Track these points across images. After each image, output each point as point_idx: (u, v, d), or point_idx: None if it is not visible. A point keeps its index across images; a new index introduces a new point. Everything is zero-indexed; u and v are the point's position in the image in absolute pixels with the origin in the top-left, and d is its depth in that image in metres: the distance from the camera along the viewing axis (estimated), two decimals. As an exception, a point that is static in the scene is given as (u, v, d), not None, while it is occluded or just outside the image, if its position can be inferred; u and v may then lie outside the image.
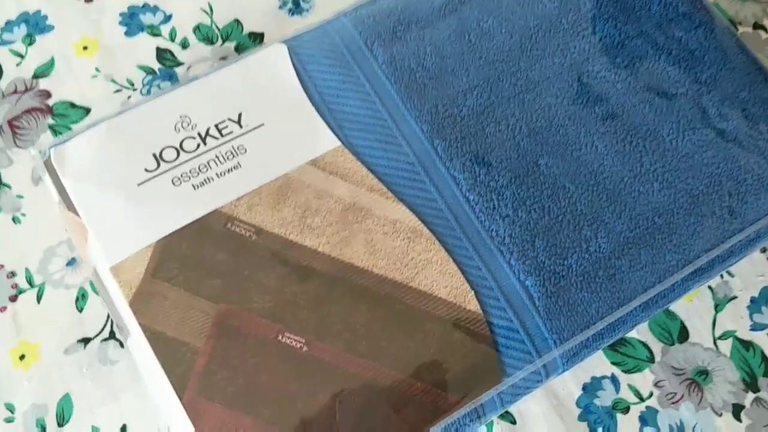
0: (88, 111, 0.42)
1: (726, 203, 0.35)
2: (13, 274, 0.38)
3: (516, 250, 0.34)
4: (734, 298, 0.39)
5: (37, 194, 0.40)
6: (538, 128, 0.36)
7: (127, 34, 0.44)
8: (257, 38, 0.44)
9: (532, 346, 0.33)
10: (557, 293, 0.33)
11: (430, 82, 0.37)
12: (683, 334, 0.38)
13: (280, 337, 0.32)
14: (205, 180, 0.35)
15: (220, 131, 0.36)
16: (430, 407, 0.32)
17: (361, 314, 0.33)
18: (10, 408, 0.36)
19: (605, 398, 0.37)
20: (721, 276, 0.39)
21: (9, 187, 0.40)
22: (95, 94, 0.42)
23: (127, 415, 0.36)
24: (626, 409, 0.37)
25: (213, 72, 0.37)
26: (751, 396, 0.37)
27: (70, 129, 0.41)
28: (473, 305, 0.33)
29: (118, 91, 0.42)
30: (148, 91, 0.42)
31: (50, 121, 0.42)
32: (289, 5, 0.45)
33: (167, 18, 0.44)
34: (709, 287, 0.39)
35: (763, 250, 0.40)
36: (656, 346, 0.38)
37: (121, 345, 0.37)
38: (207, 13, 0.45)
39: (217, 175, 0.35)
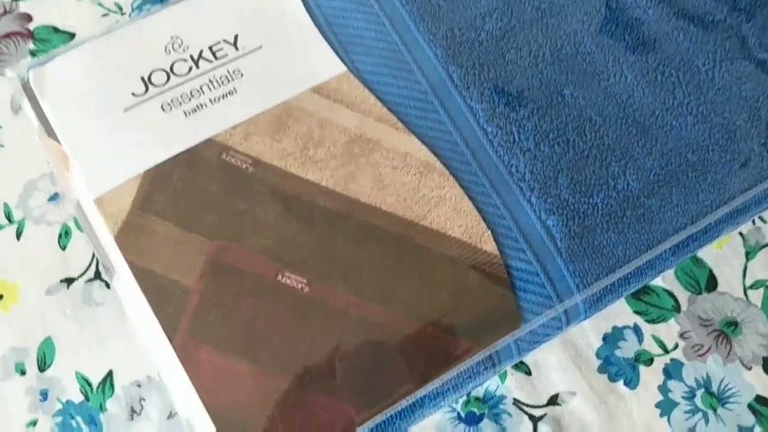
0: (72, 36, 0.39)
1: (764, 140, 0.32)
2: (-10, 209, 0.35)
3: (537, 187, 0.31)
4: (767, 245, 0.36)
5: (16, 124, 0.37)
6: (563, 56, 0.33)
7: (114, -48, 0.41)
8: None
9: (552, 290, 0.30)
10: (581, 234, 0.31)
11: (445, 4, 0.34)
12: (711, 283, 0.35)
13: (279, 277, 0.30)
14: (197, 106, 0.32)
15: (214, 54, 0.33)
16: (441, 354, 0.29)
17: (367, 254, 0.30)
18: (-12, 351, 0.33)
19: (627, 349, 0.34)
20: (753, 222, 0.36)
21: (-14, 115, 0.37)
22: (80, 19, 0.39)
23: (114, 360, 0.33)
24: (649, 361, 0.34)
25: (207, -11, 0.34)
26: (783, 349, 0.34)
27: (52, 54, 0.38)
28: (490, 246, 0.30)
29: (105, 15, 0.39)
30: (138, 15, 0.39)
31: (31, 46, 0.39)
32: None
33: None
34: (740, 234, 0.36)
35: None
36: (682, 295, 0.35)
37: (107, 286, 0.34)
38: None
39: (210, 101, 0.32)
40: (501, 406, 0.33)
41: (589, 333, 0.34)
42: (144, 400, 0.32)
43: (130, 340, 0.33)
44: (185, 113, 0.32)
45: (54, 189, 0.35)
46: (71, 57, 0.32)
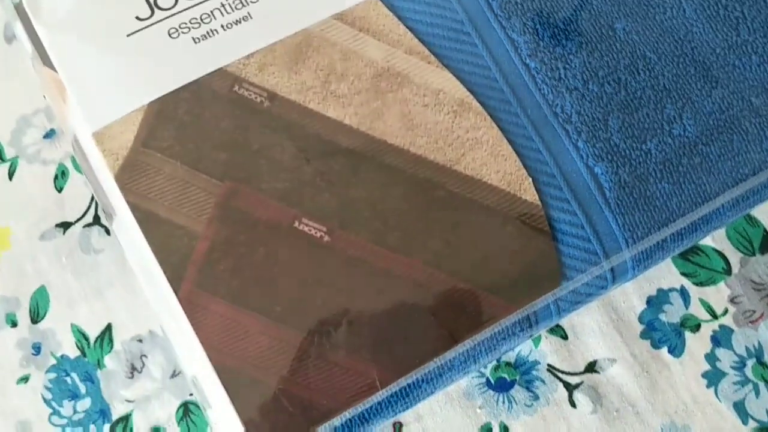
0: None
1: (838, 85, 0.29)
2: (-21, 145, 0.32)
3: (585, 130, 0.28)
4: (828, 203, 0.33)
5: (10, 54, 0.34)
6: (615, -14, 0.30)
7: None
8: None
9: (598, 245, 0.27)
10: (632, 183, 0.27)
11: (485, -75, 0.30)
12: (766, 244, 0.32)
13: (296, 224, 0.27)
14: (208, 32, 0.28)
15: (227, -25, 0.29)
16: (473, 312, 0.26)
17: (394, 200, 0.27)
18: (-25, 299, 0.30)
19: (672, 314, 0.31)
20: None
21: (-24, 44, 0.34)
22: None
23: (113, 313, 0.30)
24: (696, 327, 0.31)
25: None
26: None
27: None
28: (530, 194, 0.27)
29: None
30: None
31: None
32: None
33: None
34: (800, 190, 0.33)
35: None
36: (734, 257, 0.32)
37: (107, 232, 0.31)
38: None
39: (222, 27, 0.29)
40: (534, 372, 0.30)
41: (631, 295, 0.31)
42: (146, 356, 0.30)
43: (132, 291, 0.30)
44: (194, 40, 0.28)
45: (50, 125, 0.32)
46: (68, -24, 0.29)
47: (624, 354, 0.31)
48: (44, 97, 0.32)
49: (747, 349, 0.31)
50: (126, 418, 0.29)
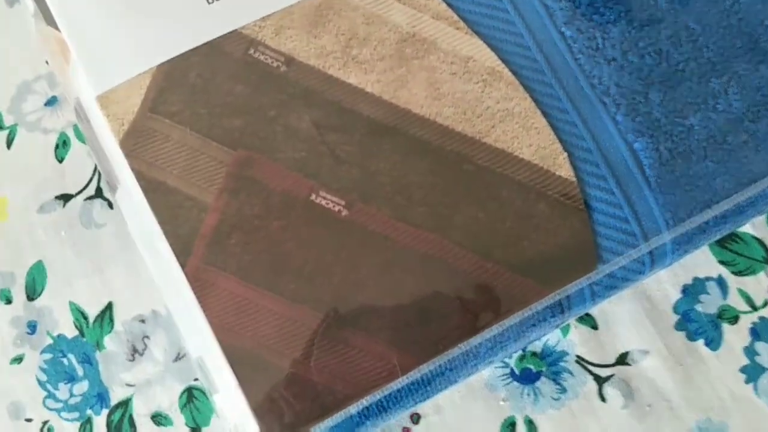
0: None
1: None
2: (-23, 111, 0.30)
3: (624, 103, 0.26)
4: None
5: (11, 17, 0.32)
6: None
7: None
8: None
9: (637, 226, 0.25)
10: (674, 160, 0.26)
11: None
12: (809, 232, 0.30)
13: (313, 197, 0.25)
14: (222, -8, 0.27)
15: (243, -68, 0.27)
16: (502, 295, 0.24)
17: (418, 174, 0.25)
18: (-32, 273, 0.28)
19: (709, 304, 0.29)
20: None
21: (-25, 4, 0.32)
22: None
23: (114, 291, 0.28)
24: (734, 319, 0.29)
25: None
26: None
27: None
28: (565, 170, 0.25)
29: None
30: None
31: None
32: None
33: None
34: None
35: None
36: (775, 245, 0.30)
37: (110, 205, 0.29)
38: None
39: (238, -14, 0.27)
40: (562, 364, 0.29)
41: (665, 284, 0.29)
42: (148, 338, 0.28)
43: (134, 268, 0.28)
44: (207, 0, 0.27)
45: (52, 92, 0.31)
46: (74, -70, 0.27)
47: (658, 346, 0.29)
48: (47, 62, 0.30)
49: (788, 343, 0.29)
50: (125, 403, 0.27)
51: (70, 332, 0.28)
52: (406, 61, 0.26)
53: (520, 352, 0.29)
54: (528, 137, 0.26)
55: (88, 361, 0.28)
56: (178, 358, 0.28)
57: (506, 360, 0.29)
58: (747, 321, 0.29)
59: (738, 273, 0.30)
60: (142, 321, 0.28)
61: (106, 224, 0.29)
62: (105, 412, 0.27)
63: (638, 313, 0.29)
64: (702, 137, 0.26)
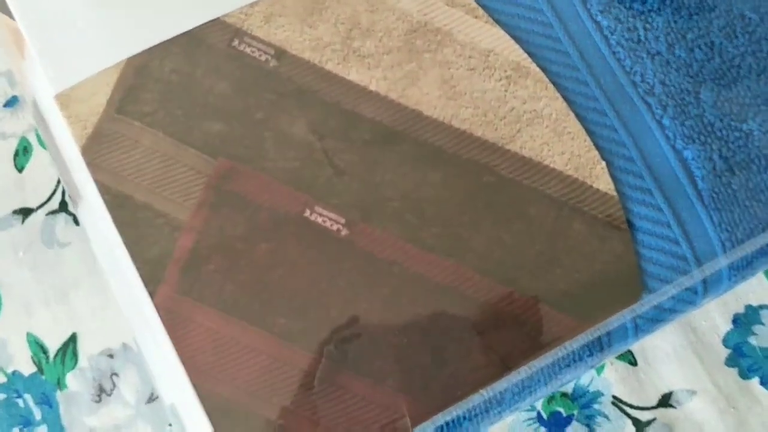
0: None
1: None
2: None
3: (671, 105, 0.22)
4: None
5: (-33, 7, 0.28)
6: (707, -71, 0.24)
7: None
8: None
9: (689, 249, 0.21)
10: (730, 172, 0.22)
11: None
12: None
13: (308, 213, 0.21)
14: (202, -26, 0.23)
15: None
16: (531, 331, 0.21)
17: (431, 187, 0.21)
18: None
19: (765, 336, 0.26)
20: None
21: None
22: None
23: (79, 321, 0.25)
24: (793, 353, 0.25)
25: None
26: None
27: None
28: (604, 183, 0.22)
29: None
30: None
31: None
32: None
33: None
34: None
35: None
36: (839, 268, 0.26)
37: (76, 222, 0.26)
38: None
39: (221, -33, 0.23)
40: (595, 406, 0.25)
41: (713, 313, 0.26)
42: (117, 375, 0.24)
43: (103, 294, 0.25)
44: (185, -17, 0.23)
45: (12, 91, 0.27)
46: None
47: (706, 385, 0.25)
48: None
49: None
50: (89, 454, 0.23)
51: (28, 369, 0.24)
52: (417, 55, 0.23)
53: (547, 393, 0.25)
54: (560, 144, 0.22)
55: (47, 402, 0.24)
56: (152, 399, 0.24)
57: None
58: (807, 356, 0.26)
59: (796, 300, 0.26)
60: (111, 356, 0.24)
61: (71, 243, 0.25)
62: (65, 462, 0.24)
63: (682, 347, 0.25)
64: (763, 144, 0.22)
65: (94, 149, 0.22)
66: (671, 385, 0.25)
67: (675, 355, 0.25)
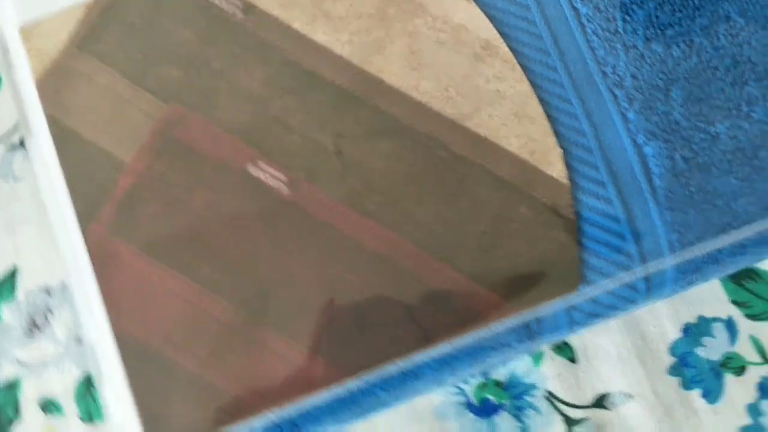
0: None
1: None
2: None
3: (639, 99, 0.22)
4: None
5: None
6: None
7: None
8: None
9: (635, 245, 0.21)
10: (690, 172, 0.21)
11: None
12: (843, 278, 0.26)
13: (250, 167, 0.21)
14: None
15: None
16: (460, 308, 0.20)
17: (381, 156, 0.21)
18: None
19: (713, 350, 0.25)
20: None
21: None
22: None
23: (22, 255, 0.25)
24: (740, 370, 0.25)
25: None
26: None
27: None
28: (557, 170, 0.21)
29: None
30: None
31: None
32: None
33: None
34: None
35: None
36: (801, 289, 0.26)
37: (36, 156, 0.25)
38: None
39: None
40: (528, 398, 0.24)
41: (664, 319, 0.25)
42: (51, 312, 0.24)
43: (49, 233, 0.24)
44: (160, -75, 0.23)
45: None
46: None
47: (645, 390, 0.24)
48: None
49: (804, 406, 0.25)
50: (13, 386, 0.23)
51: (-35, 296, 0.24)
52: (387, 23, 0.22)
53: (480, 379, 0.24)
54: (518, 126, 0.21)
55: (-20, 330, 0.24)
56: (82, 340, 0.24)
57: (463, 386, 0.24)
58: (755, 374, 0.25)
59: (752, 317, 0.25)
60: (48, 293, 0.24)
61: (26, 179, 0.25)
62: (-11, 392, 0.24)
63: (627, 350, 0.25)
64: (728, 149, 0.21)
65: (49, 82, 0.22)
66: (609, 386, 0.24)
67: (618, 357, 0.25)
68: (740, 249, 0.22)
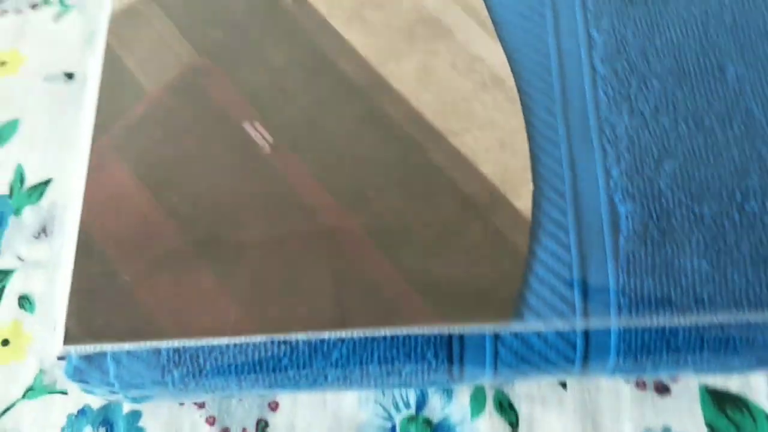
0: None
1: None
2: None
3: (628, 160, 0.21)
4: None
5: None
6: (727, 24, 0.23)
7: None
8: None
9: (581, 298, 0.20)
10: (659, 244, 0.20)
11: None
12: None
13: (246, 124, 0.23)
14: None
15: None
16: (385, 302, 0.20)
17: (363, 145, 0.22)
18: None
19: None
20: None
21: None
22: None
23: (58, 169, 0.27)
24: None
25: None
26: None
27: None
28: (523, 203, 0.21)
29: None
30: None
31: None
32: None
33: None
34: None
35: None
36: (792, 435, 0.23)
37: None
38: None
39: None
40: (454, 444, 0.23)
41: (624, 418, 0.23)
42: (61, 224, 0.26)
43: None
44: None
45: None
46: None
47: (582, 484, 0.22)
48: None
49: None
50: (6, 275, 0.26)
51: (2, 189, 0.27)
52: (413, 40, 0.24)
53: (412, 411, 0.23)
54: (500, 153, 0.22)
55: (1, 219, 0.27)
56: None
57: (392, 411, 0.24)
58: None
59: (728, 446, 0.23)
60: (65, 207, 0.26)
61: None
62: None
63: (574, 433, 0.23)
64: (709, 233, 0.20)
65: (118, 20, 0.25)
66: (543, 463, 0.23)
67: (562, 437, 0.23)
68: (699, 342, 0.20)
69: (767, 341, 0.20)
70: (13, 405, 0.24)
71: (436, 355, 0.20)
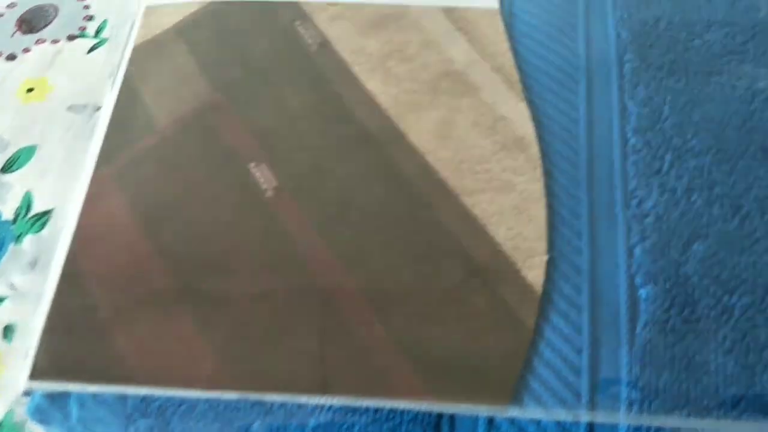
0: None
1: None
2: None
3: (654, 239, 0.19)
4: None
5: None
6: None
7: None
8: None
9: (588, 387, 0.18)
10: (682, 334, 0.18)
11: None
12: None
13: (252, 165, 0.22)
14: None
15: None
16: (372, 371, 0.18)
17: (369, 196, 0.21)
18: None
19: None
20: None
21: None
22: None
23: (64, 198, 0.27)
24: None
25: None
26: None
27: None
28: (535, 274, 0.19)
29: None
30: None
31: None
32: None
33: None
34: None
35: None
36: None
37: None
38: None
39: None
40: None
41: None
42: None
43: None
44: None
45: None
46: None
47: None
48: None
49: None
50: (-8, 300, 0.25)
51: (8, 214, 0.27)
52: (436, 93, 0.23)
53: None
54: (514, 219, 0.20)
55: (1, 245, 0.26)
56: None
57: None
58: None
59: None
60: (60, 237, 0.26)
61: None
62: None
63: None
64: (739, 327, 0.18)
65: (142, 49, 0.24)
66: None
67: None
68: (721, 448, 0.18)
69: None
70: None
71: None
